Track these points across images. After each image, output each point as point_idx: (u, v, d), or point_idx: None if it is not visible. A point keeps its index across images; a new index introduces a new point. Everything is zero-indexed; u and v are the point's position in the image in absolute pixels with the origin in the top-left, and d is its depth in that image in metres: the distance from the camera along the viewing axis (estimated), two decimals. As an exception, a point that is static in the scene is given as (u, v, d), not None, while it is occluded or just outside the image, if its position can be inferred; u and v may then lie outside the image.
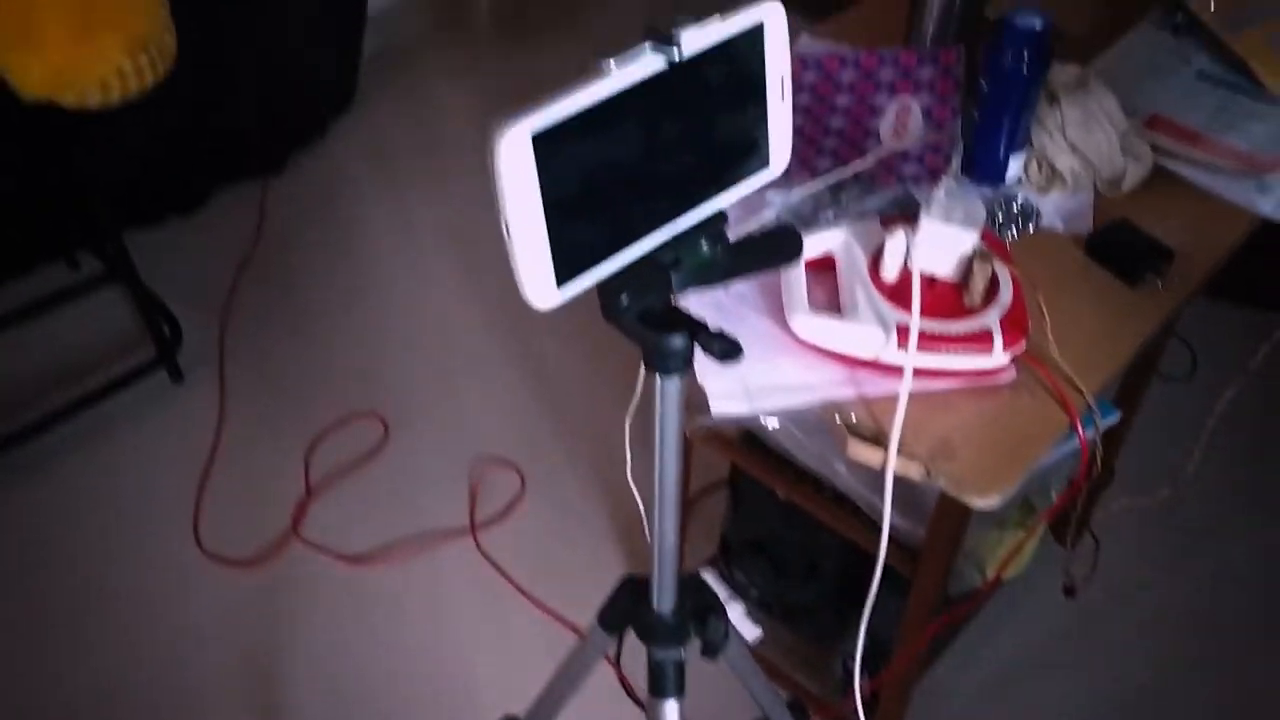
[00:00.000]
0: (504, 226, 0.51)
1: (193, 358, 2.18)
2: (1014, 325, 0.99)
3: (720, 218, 0.60)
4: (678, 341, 0.62)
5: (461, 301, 2.35)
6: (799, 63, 1.31)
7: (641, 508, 1.27)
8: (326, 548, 1.88)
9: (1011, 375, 1.02)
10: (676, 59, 0.52)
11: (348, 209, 2.59)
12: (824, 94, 1.28)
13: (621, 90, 0.51)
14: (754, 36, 0.56)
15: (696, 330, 0.62)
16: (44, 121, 1.68)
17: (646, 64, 0.52)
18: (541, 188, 0.50)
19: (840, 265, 1.07)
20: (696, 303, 1.06)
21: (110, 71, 1.54)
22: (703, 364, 1.04)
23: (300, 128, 2.69)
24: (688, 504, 1.88)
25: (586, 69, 0.51)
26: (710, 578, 1.69)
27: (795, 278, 1.04)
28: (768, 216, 1.12)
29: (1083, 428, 1.01)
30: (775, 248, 0.67)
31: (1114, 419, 1.43)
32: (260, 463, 2.03)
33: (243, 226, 2.48)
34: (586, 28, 3.11)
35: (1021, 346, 1.00)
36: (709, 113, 0.56)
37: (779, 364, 1.03)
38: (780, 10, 0.56)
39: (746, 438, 1.44)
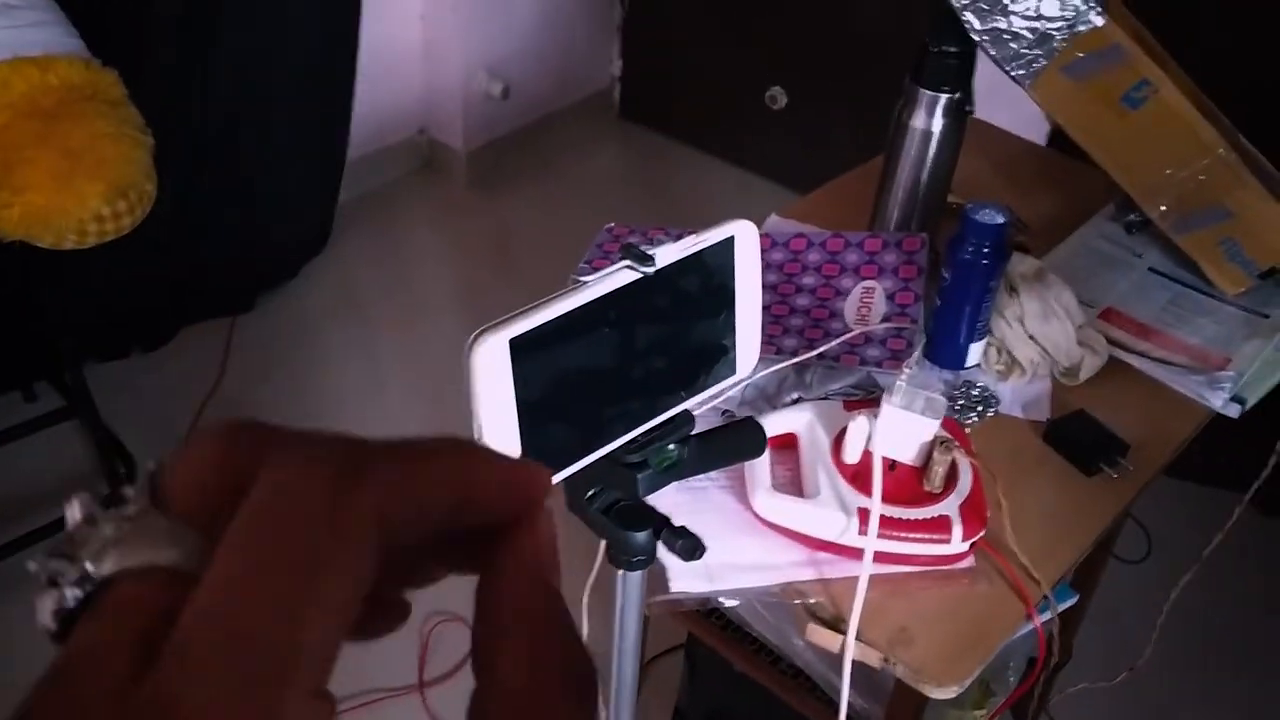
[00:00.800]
0: (477, 427, 0.51)
1: (146, 497, 2.14)
2: (973, 513, 1.00)
3: (686, 419, 0.61)
4: (641, 539, 0.63)
5: (423, 449, 2.34)
6: (766, 240, 1.35)
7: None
8: (269, 701, 1.83)
9: (970, 562, 1.02)
10: (652, 271, 0.54)
11: (314, 350, 2.60)
12: (791, 273, 1.31)
13: (594, 300, 0.53)
14: (725, 249, 0.58)
15: (661, 527, 0.63)
16: (12, 256, 1.69)
17: (621, 277, 0.54)
18: (516, 392, 0.51)
19: (803, 445, 1.08)
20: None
21: (88, 216, 1.56)
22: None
23: (272, 268, 2.72)
24: (641, 670, 1.85)
25: (567, 283, 0.53)
26: (663, 748, 1.66)
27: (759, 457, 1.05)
28: (733, 395, 1.14)
29: (1039, 618, 1.01)
30: (740, 443, 0.68)
31: (1071, 601, 1.44)
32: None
33: (207, 364, 2.47)
34: (561, 176, 3.19)
35: (980, 534, 1.01)
36: (680, 319, 0.58)
37: (740, 543, 1.03)
38: (751, 227, 0.58)
39: (704, 606, 1.43)
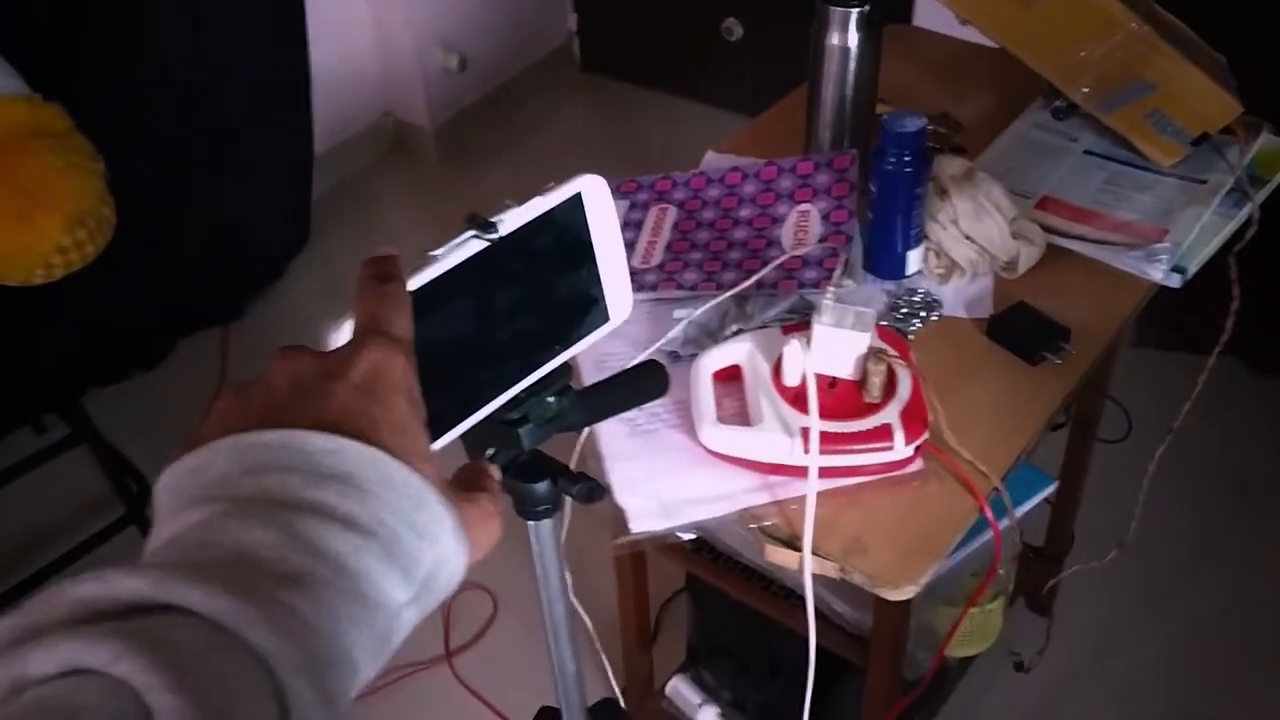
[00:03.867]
0: None
1: (163, 511, 2.20)
2: (913, 418, 1.03)
3: (563, 372, 0.64)
4: (540, 489, 0.66)
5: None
6: (703, 180, 1.36)
7: (590, 625, 1.29)
8: (304, 689, 1.88)
9: (919, 466, 1.05)
10: (497, 238, 0.56)
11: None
12: (728, 208, 1.33)
13: (447, 271, 0.55)
14: (574, 205, 0.60)
15: (558, 476, 0.66)
16: (-6, 298, 1.74)
17: (469, 247, 0.56)
18: None
19: (746, 375, 1.10)
20: (611, 421, 1.10)
21: (51, 250, 1.60)
22: (620, 482, 1.07)
23: (257, 273, 2.75)
24: (652, 613, 1.90)
25: (415, 259, 0.55)
26: (683, 684, 1.70)
27: (703, 392, 1.08)
28: (675, 334, 1.16)
29: (991, 510, 1.04)
30: (637, 387, 0.70)
31: (1051, 488, 1.46)
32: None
33: (205, 376, 2.52)
34: (532, 139, 3.20)
35: (923, 437, 1.03)
36: (539, 279, 0.60)
37: (693, 476, 1.06)
38: (598, 180, 0.60)
39: (698, 542, 1.46)
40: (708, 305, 1.18)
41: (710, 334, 1.17)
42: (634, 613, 1.63)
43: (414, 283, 0.55)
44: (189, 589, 0.36)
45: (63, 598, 0.36)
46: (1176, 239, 1.24)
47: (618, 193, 1.40)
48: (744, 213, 1.32)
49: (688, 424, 1.09)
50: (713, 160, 1.45)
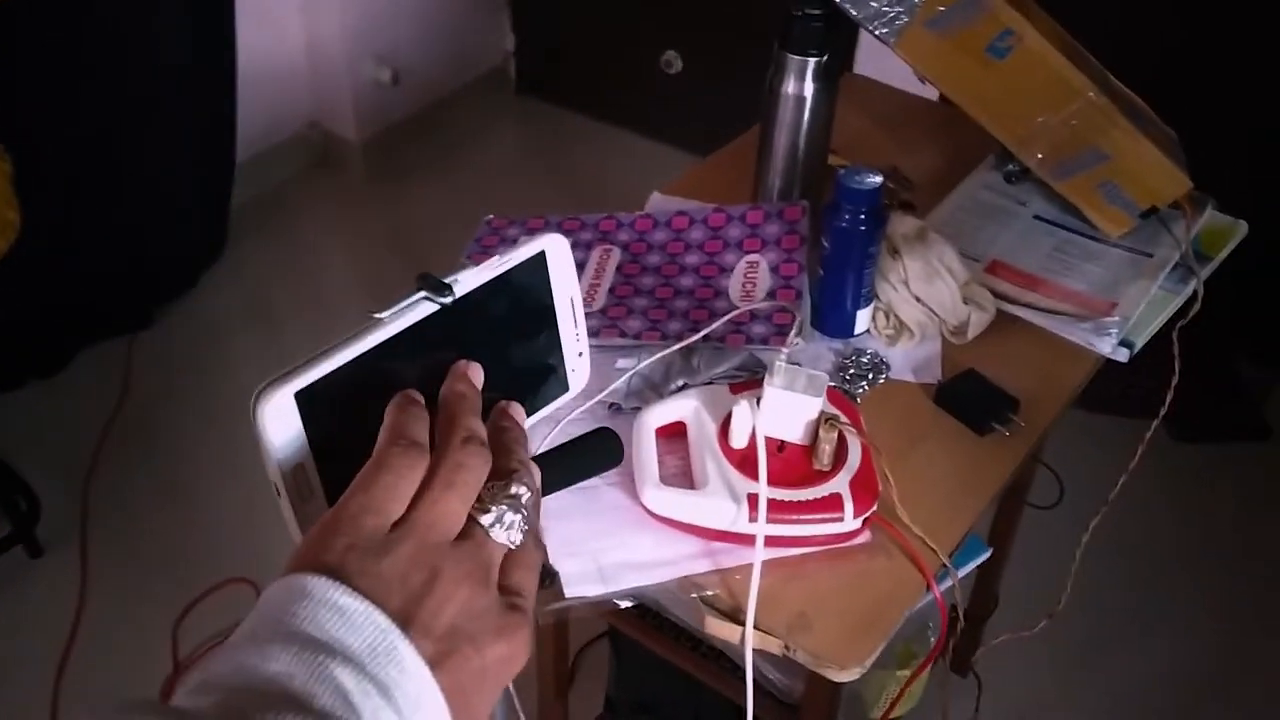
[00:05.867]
0: (275, 488, 0.48)
1: (53, 530, 2.08)
2: (863, 489, 0.99)
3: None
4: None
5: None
6: (649, 222, 1.32)
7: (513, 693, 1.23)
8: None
9: (867, 538, 1.01)
10: (451, 300, 0.51)
11: (219, 363, 2.53)
12: (674, 253, 1.29)
13: (392, 336, 0.50)
14: (537, 266, 0.55)
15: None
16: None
17: (420, 310, 0.51)
18: (312, 444, 0.48)
19: (691, 433, 1.06)
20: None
21: (-53, 252, 1.49)
22: (556, 543, 1.01)
23: (168, 280, 2.64)
24: (574, 658, 1.84)
25: (360, 322, 0.49)
26: (598, 738, 1.64)
27: (646, 450, 1.03)
28: (619, 386, 1.11)
29: (939, 587, 1.00)
30: (591, 459, 0.65)
31: (985, 556, 1.44)
32: (125, 639, 1.93)
33: (107, 387, 2.40)
34: (462, 159, 3.13)
35: (872, 509, 0.99)
36: (494, 346, 0.55)
37: (634, 540, 1.00)
38: (561, 240, 0.55)
39: (601, 610, 1.41)
40: (653, 357, 1.13)
41: (654, 387, 1.12)
42: (552, 662, 1.57)
43: (357, 349, 0.49)
44: None
45: None
46: (1125, 313, 1.23)
47: (559, 229, 1.34)
48: (691, 260, 1.28)
49: (628, 482, 1.04)
50: (659, 202, 1.41)
